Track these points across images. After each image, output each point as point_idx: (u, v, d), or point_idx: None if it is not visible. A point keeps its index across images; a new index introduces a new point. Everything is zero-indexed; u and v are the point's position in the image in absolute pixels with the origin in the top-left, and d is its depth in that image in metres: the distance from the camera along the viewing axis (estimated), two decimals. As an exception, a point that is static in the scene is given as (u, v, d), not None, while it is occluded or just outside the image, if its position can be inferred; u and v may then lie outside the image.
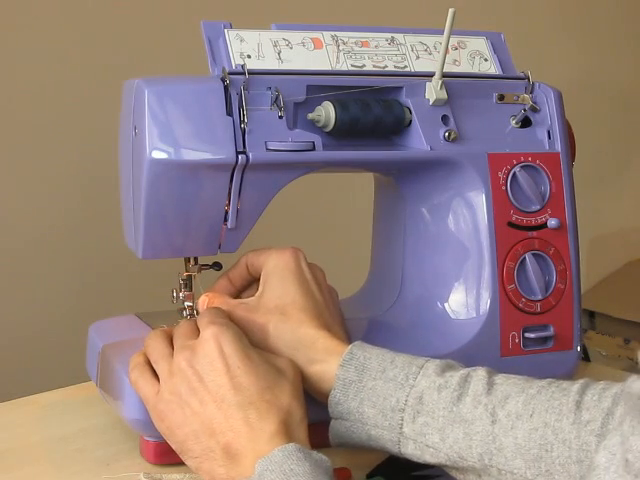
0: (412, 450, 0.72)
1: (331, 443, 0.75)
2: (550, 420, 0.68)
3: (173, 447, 0.72)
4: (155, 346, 0.75)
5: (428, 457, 0.71)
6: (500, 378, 0.73)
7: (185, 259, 0.86)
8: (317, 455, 0.66)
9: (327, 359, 0.75)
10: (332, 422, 0.75)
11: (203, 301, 0.82)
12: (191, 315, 0.87)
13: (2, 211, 1.32)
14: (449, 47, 0.85)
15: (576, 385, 0.70)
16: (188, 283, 0.87)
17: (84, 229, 1.38)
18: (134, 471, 0.77)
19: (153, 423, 0.73)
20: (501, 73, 0.91)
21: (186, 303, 0.88)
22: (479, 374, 0.72)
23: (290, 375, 0.72)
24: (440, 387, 0.72)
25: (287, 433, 0.68)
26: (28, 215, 1.34)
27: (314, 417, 0.72)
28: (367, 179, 0.98)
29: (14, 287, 1.34)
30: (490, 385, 0.71)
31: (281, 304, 0.78)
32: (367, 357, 0.74)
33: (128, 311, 0.93)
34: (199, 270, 0.87)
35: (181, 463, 0.74)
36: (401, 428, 0.72)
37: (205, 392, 0.70)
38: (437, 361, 0.74)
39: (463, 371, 0.73)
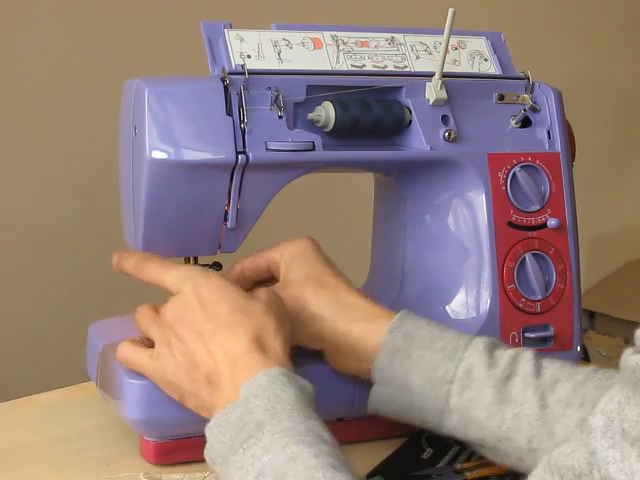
0: (455, 423, 0.72)
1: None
2: None
3: (177, 398, 0.72)
4: (143, 315, 0.76)
5: (471, 432, 0.72)
6: (546, 361, 0.73)
7: (185, 259, 0.86)
8: (301, 380, 0.66)
9: (373, 321, 0.76)
10: (374, 387, 0.75)
11: None
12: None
13: (2, 211, 1.32)
14: (449, 47, 0.85)
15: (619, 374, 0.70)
16: (188, 283, 0.87)
17: (84, 229, 1.38)
18: (134, 471, 0.77)
19: (154, 421, 0.73)
20: (501, 73, 0.91)
21: (186, 303, 0.87)
22: (527, 356, 0.73)
23: (264, 298, 0.72)
24: (489, 365, 0.72)
25: (261, 347, 0.68)
26: (28, 215, 1.34)
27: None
28: (367, 179, 0.98)
29: (14, 287, 1.34)
30: (538, 368, 0.72)
31: (313, 275, 0.79)
32: (416, 326, 0.75)
33: (128, 311, 0.92)
34: (199, 270, 0.87)
35: (181, 463, 0.74)
36: (447, 399, 0.72)
37: (186, 331, 0.71)
38: (485, 338, 0.75)
39: (510, 351, 0.74)
